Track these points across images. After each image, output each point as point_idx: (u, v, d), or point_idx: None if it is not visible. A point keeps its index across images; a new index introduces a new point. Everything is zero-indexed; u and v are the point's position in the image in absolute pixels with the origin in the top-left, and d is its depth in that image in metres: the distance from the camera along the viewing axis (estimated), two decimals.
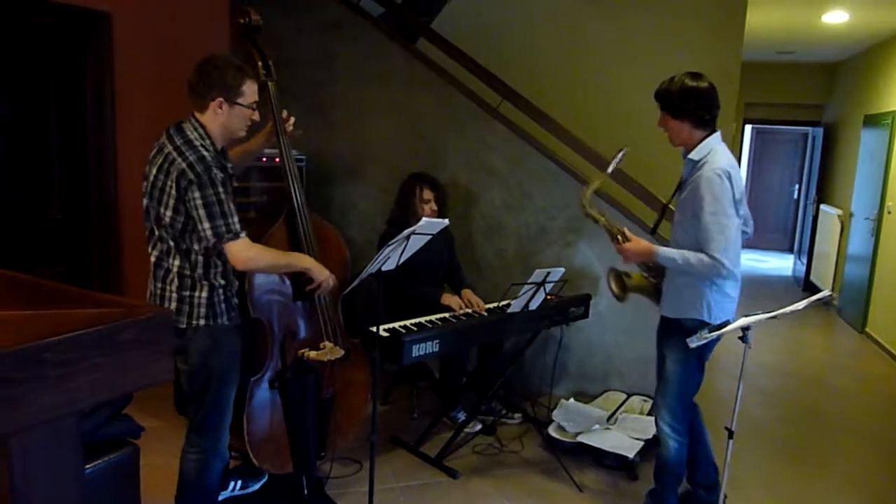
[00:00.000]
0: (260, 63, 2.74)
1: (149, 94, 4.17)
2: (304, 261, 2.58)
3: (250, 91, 2.36)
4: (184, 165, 2.20)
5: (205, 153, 2.25)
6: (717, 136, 2.57)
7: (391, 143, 4.56)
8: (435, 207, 3.75)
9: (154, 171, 2.27)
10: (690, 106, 2.51)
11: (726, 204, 2.44)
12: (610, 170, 2.78)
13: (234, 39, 2.79)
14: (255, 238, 2.58)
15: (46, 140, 3.85)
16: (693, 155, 2.56)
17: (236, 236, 2.26)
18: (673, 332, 2.69)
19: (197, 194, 2.19)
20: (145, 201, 2.31)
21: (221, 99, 2.30)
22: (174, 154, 2.23)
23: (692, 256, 2.48)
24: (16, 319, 1.04)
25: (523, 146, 4.24)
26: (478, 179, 4.35)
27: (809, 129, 9.30)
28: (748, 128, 10.27)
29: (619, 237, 2.72)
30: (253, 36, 2.77)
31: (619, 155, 2.73)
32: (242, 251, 2.29)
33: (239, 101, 2.32)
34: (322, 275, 2.60)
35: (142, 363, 1.11)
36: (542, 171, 4.22)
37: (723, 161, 2.49)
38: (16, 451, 0.99)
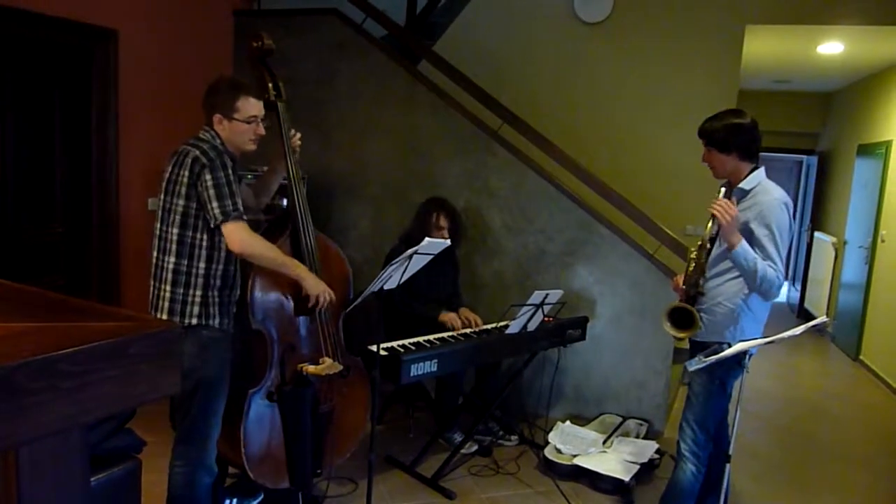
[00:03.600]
0: (270, 85, 2.80)
1: (151, 111, 4.21)
2: (300, 269, 2.60)
3: (245, 107, 2.48)
4: (197, 153, 2.37)
5: (216, 144, 2.44)
6: (762, 168, 2.69)
7: (392, 163, 4.60)
8: (447, 236, 3.70)
9: (170, 168, 2.41)
10: (736, 139, 2.62)
11: (784, 231, 2.56)
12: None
13: (247, 60, 2.87)
14: None
15: (50, 154, 3.87)
16: (744, 184, 2.66)
17: (239, 217, 2.39)
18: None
19: (208, 176, 2.34)
20: (160, 201, 2.43)
21: (220, 115, 2.47)
22: (188, 147, 2.41)
23: (764, 263, 2.51)
24: (30, 331, 1.05)
25: (523, 169, 4.29)
26: (477, 201, 4.39)
27: (804, 157, 9.39)
28: None
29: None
30: (266, 59, 2.82)
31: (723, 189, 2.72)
32: (240, 231, 2.39)
33: (235, 116, 2.47)
34: (317, 288, 2.62)
35: (150, 376, 1.11)
36: (542, 193, 4.25)
37: (779, 192, 2.62)
38: (24, 461, 1.00)
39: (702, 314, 2.65)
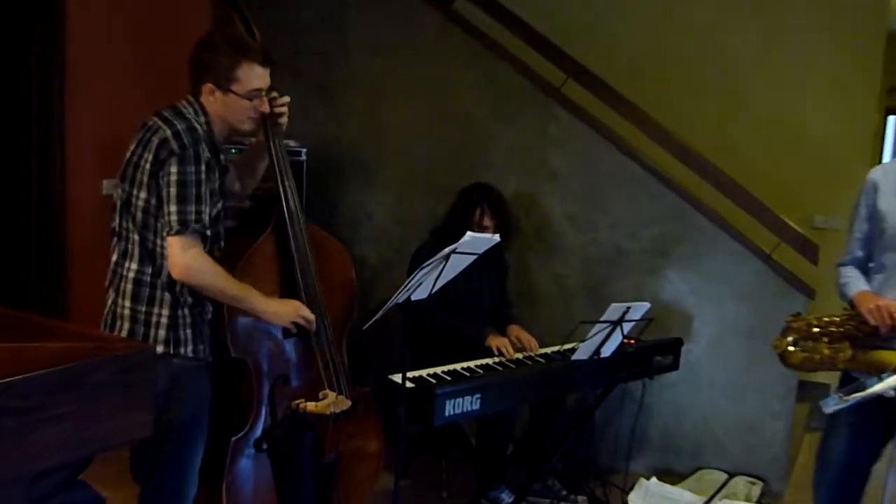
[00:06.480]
0: (242, 29, 2.81)
1: (109, 70, 4.24)
2: (257, 303, 2.54)
3: (248, 77, 2.47)
4: (168, 133, 2.34)
5: (196, 125, 2.41)
6: None
7: (419, 134, 4.61)
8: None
9: (133, 145, 2.41)
10: None
11: None
12: None
13: (213, 2, 2.87)
14: (236, 254, 2.62)
15: None
16: None
17: (199, 232, 2.37)
18: None
19: (174, 168, 2.32)
20: (117, 187, 2.44)
21: (212, 85, 2.45)
22: (159, 122, 2.38)
23: None
24: None
25: (595, 140, 4.26)
26: (533, 183, 4.38)
27: None
28: (891, 119, 10.16)
29: None
30: None
31: None
32: (188, 251, 2.34)
33: (233, 87, 2.46)
34: (281, 320, 2.62)
35: (115, 413, 1.13)
36: (620, 173, 4.23)
37: None
38: None
39: None
